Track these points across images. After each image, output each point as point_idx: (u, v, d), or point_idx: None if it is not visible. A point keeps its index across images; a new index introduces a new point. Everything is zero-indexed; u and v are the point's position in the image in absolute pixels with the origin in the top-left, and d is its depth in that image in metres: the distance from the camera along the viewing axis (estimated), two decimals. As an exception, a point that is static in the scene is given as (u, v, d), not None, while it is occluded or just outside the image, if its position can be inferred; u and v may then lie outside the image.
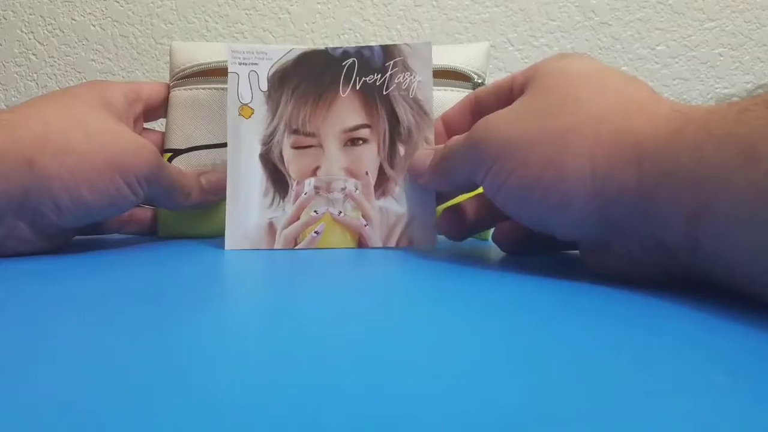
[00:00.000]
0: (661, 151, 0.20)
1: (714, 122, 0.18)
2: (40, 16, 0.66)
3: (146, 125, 0.38)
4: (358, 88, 0.34)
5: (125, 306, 0.18)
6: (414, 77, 0.34)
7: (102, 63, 0.66)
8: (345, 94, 0.33)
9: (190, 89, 0.37)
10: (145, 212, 0.38)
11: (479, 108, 0.31)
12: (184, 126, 0.37)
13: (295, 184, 0.33)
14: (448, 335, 0.15)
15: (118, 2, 0.65)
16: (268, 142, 0.34)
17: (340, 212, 0.33)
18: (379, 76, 0.33)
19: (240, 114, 0.33)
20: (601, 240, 0.23)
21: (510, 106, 0.26)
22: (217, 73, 0.38)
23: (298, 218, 0.33)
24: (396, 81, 0.34)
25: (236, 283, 0.24)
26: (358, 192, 0.33)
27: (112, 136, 0.29)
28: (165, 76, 0.65)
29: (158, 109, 0.38)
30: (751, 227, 0.17)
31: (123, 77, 0.65)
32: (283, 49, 0.34)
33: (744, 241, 0.17)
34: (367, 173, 0.33)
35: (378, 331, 0.16)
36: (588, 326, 0.16)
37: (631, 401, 0.10)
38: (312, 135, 0.33)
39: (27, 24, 0.66)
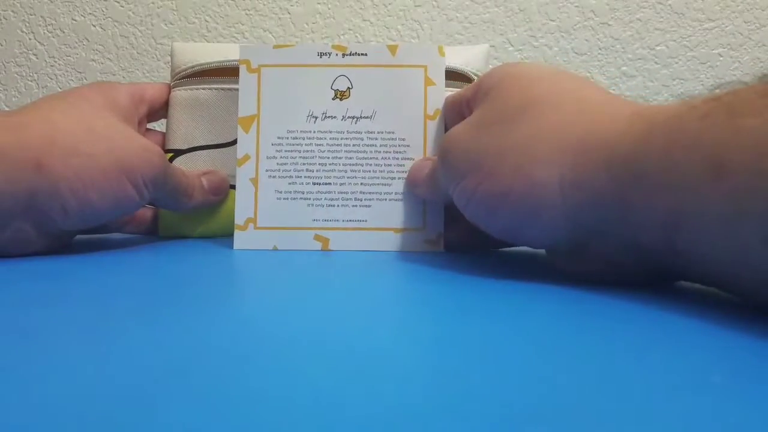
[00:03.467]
0: (630, 156, 0.19)
1: (678, 129, 0.18)
2: (41, 17, 0.66)
3: (148, 126, 0.39)
4: None
5: (127, 306, 0.18)
6: None
7: (102, 63, 0.66)
8: None
9: (191, 89, 0.38)
10: (146, 212, 0.38)
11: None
12: (185, 126, 0.38)
13: None
14: (447, 339, 0.15)
15: (118, 2, 0.65)
16: None
17: None
18: None
19: None
20: (576, 244, 0.22)
21: (469, 118, 0.26)
22: (217, 73, 0.38)
23: None
24: None
25: (238, 283, 0.24)
26: None
27: (119, 138, 0.29)
28: (165, 76, 0.65)
29: (161, 110, 0.38)
30: (725, 236, 0.16)
31: (123, 77, 0.65)
32: None
33: (720, 247, 0.17)
34: None
35: (376, 331, 0.16)
36: (581, 328, 0.16)
37: (631, 402, 0.11)
38: None
39: (27, 24, 0.66)
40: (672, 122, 0.18)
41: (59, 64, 0.66)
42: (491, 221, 0.24)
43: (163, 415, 0.10)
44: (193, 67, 0.38)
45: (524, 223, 0.23)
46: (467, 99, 0.28)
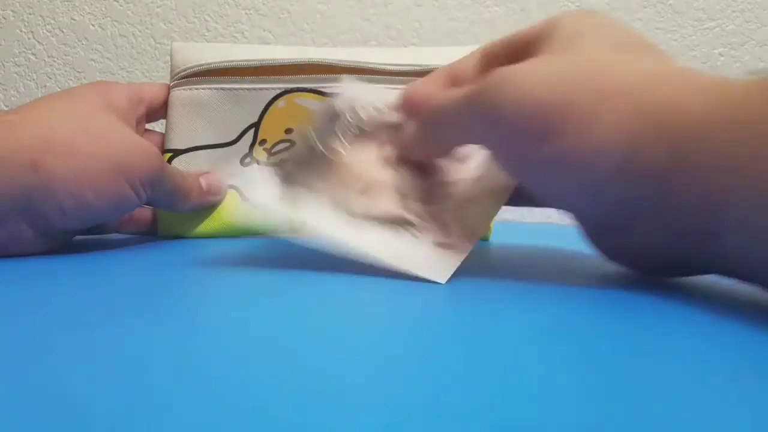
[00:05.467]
0: (694, 130, 0.18)
1: (745, 104, 0.17)
2: (40, 16, 0.66)
3: (147, 126, 0.38)
4: None
5: (126, 306, 0.18)
6: None
7: (101, 62, 0.66)
8: None
9: (190, 89, 0.37)
10: (144, 212, 0.38)
11: (489, 65, 0.25)
12: (184, 126, 0.37)
13: None
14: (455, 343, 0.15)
15: (117, 2, 0.65)
16: None
17: None
18: None
19: None
20: (623, 222, 0.21)
21: (533, 60, 0.22)
22: (217, 73, 0.38)
23: None
24: None
25: (238, 283, 0.24)
26: None
27: (117, 139, 0.29)
28: (165, 76, 0.65)
29: (159, 110, 0.38)
30: (765, 214, 0.16)
31: (122, 77, 0.65)
32: None
33: (760, 226, 0.17)
34: None
35: (371, 330, 0.16)
36: (584, 328, 0.16)
37: (633, 403, 0.10)
38: None
39: (26, 23, 0.66)
40: (740, 99, 0.18)
41: (58, 64, 0.66)
42: (546, 185, 0.22)
43: (162, 415, 0.09)
44: (192, 67, 0.37)
45: (581, 191, 0.21)
46: (535, 41, 0.24)
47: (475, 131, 0.23)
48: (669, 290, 0.21)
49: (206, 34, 0.64)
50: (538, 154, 0.21)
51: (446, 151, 0.26)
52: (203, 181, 0.36)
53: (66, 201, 0.27)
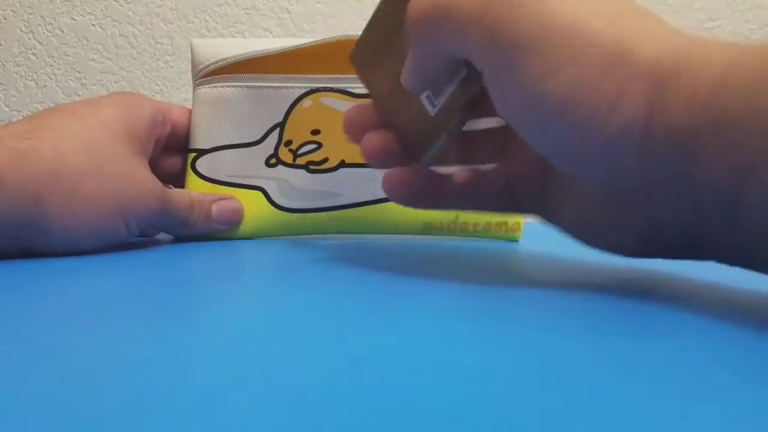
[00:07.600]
0: (712, 92, 0.16)
1: (761, 70, 0.15)
2: (40, 16, 0.66)
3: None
4: None
5: (125, 306, 0.18)
6: None
7: (102, 63, 0.66)
8: None
9: (215, 87, 0.37)
10: None
11: None
12: (208, 125, 0.37)
13: None
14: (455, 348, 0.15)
15: (117, 2, 0.65)
16: None
17: None
18: None
19: None
20: (627, 192, 0.19)
21: None
22: (242, 69, 0.36)
23: None
24: None
25: (240, 283, 0.24)
26: None
27: (123, 181, 0.29)
28: (165, 76, 0.65)
29: (182, 135, 0.37)
30: None
31: (122, 77, 0.65)
32: None
33: None
34: None
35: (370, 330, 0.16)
36: (581, 329, 0.16)
37: (633, 402, 0.11)
38: None
39: (27, 23, 0.66)
40: (763, 57, 0.16)
41: (58, 64, 0.66)
42: (547, 132, 0.19)
43: (161, 416, 0.09)
44: (217, 62, 0.36)
45: (591, 143, 0.18)
46: None
47: (468, 46, 0.20)
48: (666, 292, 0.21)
49: (206, 34, 0.64)
50: (553, 88, 0.18)
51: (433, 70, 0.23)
52: (215, 208, 0.35)
53: (58, 238, 0.27)
